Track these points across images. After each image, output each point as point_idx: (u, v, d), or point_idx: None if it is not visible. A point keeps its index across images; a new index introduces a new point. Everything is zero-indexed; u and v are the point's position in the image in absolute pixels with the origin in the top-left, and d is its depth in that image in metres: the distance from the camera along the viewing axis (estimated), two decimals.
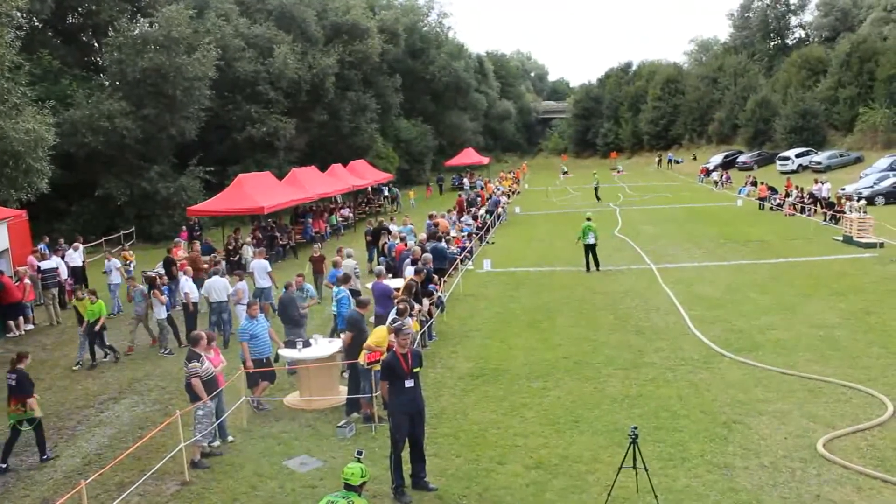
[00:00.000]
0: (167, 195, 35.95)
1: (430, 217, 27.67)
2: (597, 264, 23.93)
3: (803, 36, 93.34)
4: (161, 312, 17.00)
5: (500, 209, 38.99)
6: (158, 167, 36.49)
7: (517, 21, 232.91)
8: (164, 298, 17.12)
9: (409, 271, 17.84)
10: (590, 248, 23.90)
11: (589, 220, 24.29)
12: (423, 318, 15.94)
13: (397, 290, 16.40)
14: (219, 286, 17.25)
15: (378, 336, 11.91)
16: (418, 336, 14.88)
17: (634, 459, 8.83)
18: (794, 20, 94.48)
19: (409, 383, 9.53)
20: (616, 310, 18.78)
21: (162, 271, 19.92)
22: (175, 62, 35.00)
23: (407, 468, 9.61)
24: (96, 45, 41.16)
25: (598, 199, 46.59)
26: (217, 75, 38.60)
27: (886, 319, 16.61)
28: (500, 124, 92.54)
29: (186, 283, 17.83)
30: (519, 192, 56.32)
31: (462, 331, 17.59)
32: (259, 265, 19.72)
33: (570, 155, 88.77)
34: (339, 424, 11.76)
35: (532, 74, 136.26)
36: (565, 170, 75.91)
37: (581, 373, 13.94)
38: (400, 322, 11.81)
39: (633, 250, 27.33)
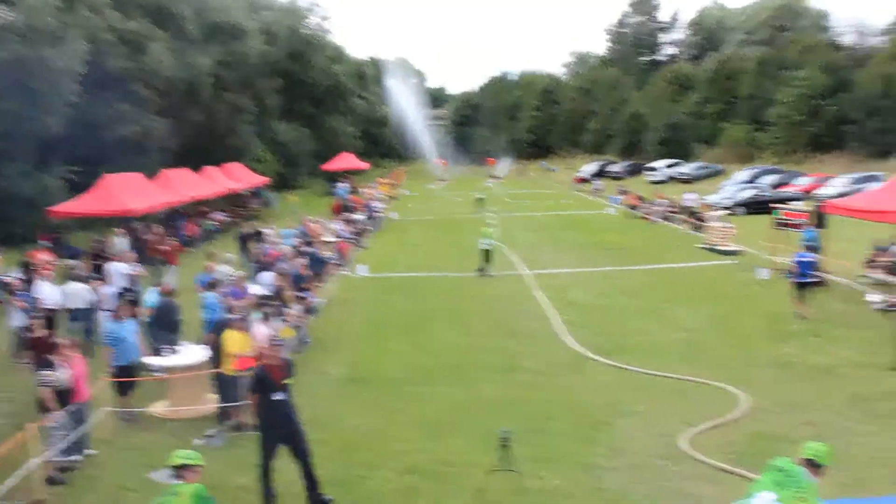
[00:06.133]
0: (28, 195, 33.97)
1: (304, 222, 27.35)
2: (482, 269, 24.34)
3: (673, 53, 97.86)
4: (18, 319, 16.03)
5: (376, 214, 38.98)
6: (18, 165, 34.41)
7: (397, 28, 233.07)
8: (23, 304, 16.17)
9: (269, 277, 17.56)
10: (485, 253, 24.42)
11: (488, 225, 24.87)
12: (297, 324, 15.71)
13: (267, 296, 16.13)
14: (77, 292, 16.41)
15: (237, 342, 11.62)
16: (292, 340, 14.67)
17: (506, 462, 8.95)
18: (664, 37, 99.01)
19: (279, 396, 9.23)
20: (491, 315, 19.05)
21: (20, 275, 18.82)
22: (39, 54, 33.16)
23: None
24: None
25: (481, 207, 46.44)
26: (86, 70, 36.83)
27: (745, 323, 17.55)
28: (379, 130, 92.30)
29: (42, 287, 16.85)
30: (396, 198, 56.41)
31: (336, 336, 17.42)
32: (122, 268, 18.94)
33: (447, 161, 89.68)
34: (208, 433, 11.41)
35: (412, 81, 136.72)
36: (444, 177, 76.54)
37: (456, 377, 14.05)
38: (265, 327, 11.63)
39: (509, 257, 27.81)
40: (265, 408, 9.24)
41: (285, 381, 9.33)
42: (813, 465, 6.43)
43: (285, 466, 9.42)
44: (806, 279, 18.03)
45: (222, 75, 52.07)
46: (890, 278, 19.17)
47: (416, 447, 10.91)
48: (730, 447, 10.52)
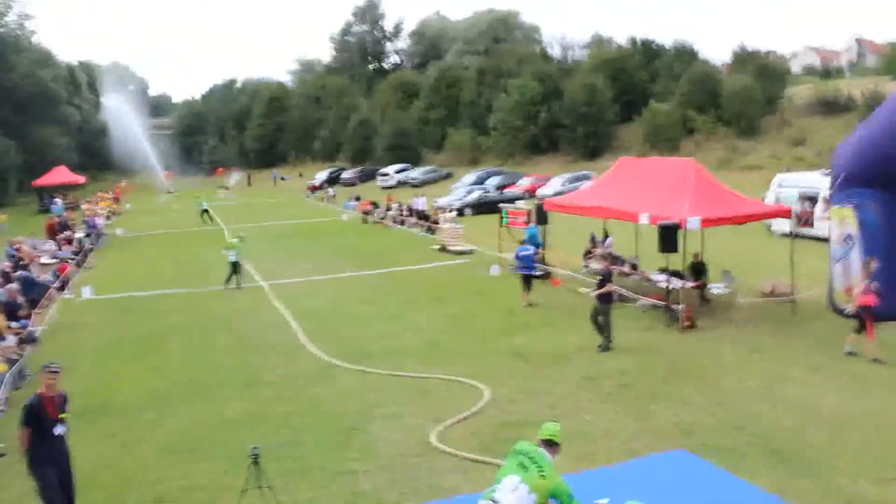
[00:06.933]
0: None
1: (12, 243, 24.95)
2: (228, 280, 23.73)
3: (398, 61, 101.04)
4: None
5: (99, 231, 36.52)
6: None
7: (114, 31, 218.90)
8: None
9: None
10: (233, 266, 23.72)
11: (241, 238, 25.18)
12: (12, 356, 14.27)
13: None
14: None
15: None
16: (7, 376, 13.32)
17: (258, 480, 8.74)
18: (389, 46, 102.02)
19: (57, 430, 8.49)
20: (230, 330, 18.54)
21: None
22: None
23: None
24: None
25: (209, 220, 44.56)
26: None
27: (480, 319, 18.51)
28: (97, 141, 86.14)
29: None
30: (120, 213, 53.16)
31: (63, 366, 15.81)
32: None
33: (174, 172, 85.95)
34: None
35: (131, 88, 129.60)
36: (171, 189, 73.30)
37: (197, 398, 13.49)
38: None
39: (243, 268, 27.13)
40: (41, 443, 8.38)
41: (62, 415, 8.62)
42: (550, 445, 7.01)
43: None
44: (529, 271, 19.66)
45: None
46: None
47: (161, 475, 10.31)
48: (477, 438, 11.04)
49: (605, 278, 15.69)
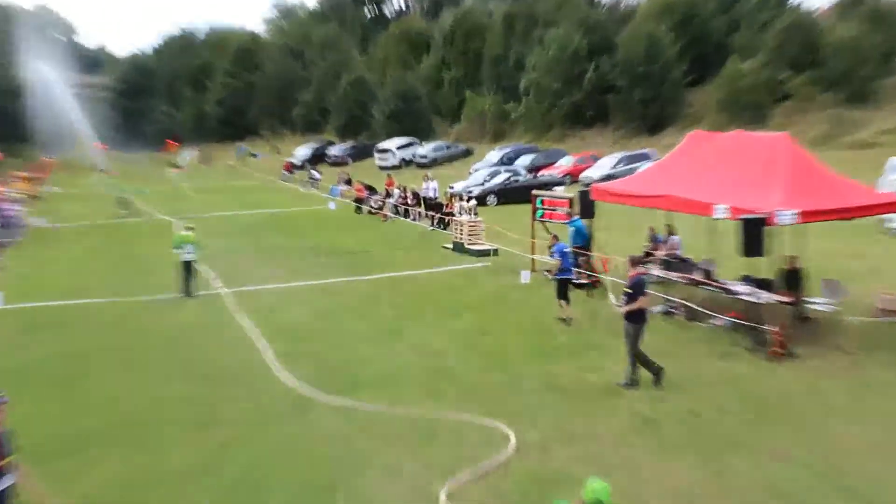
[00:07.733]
0: None
1: None
2: (185, 286, 23.65)
3: (402, 6, 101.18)
4: None
5: (13, 220, 36.61)
6: None
7: None
8: None
9: None
10: (186, 267, 23.66)
11: (191, 229, 24.71)
12: None
13: None
14: None
15: None
16: None
17: None
18: None
19: (4, 483, 8.74)
20: (177, 352, 18.42)
21: None
22: None
23: None
24: None
25: (125, 209, 44.10)
26: None
27: (503, 339, 18.36)
28: (13, 105, 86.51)
29: None
30: (41, 198, 53.25)
31: None
32: None
33: (110, 145, 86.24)
34: None
35: (54, 35, 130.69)
36: (107, 168, 73.52)
37: (133, 441, 13.36)
38: None
39: (198, 272, 27.04)
40: None
41: (7, 460, 8.69)
42: None
43: None
44: (570, 276, 19.69)
45: None
46: (668, 274, 20.80)
47: None
48: (500, 498, 10.87)
49: (636, 290, 15.15)
